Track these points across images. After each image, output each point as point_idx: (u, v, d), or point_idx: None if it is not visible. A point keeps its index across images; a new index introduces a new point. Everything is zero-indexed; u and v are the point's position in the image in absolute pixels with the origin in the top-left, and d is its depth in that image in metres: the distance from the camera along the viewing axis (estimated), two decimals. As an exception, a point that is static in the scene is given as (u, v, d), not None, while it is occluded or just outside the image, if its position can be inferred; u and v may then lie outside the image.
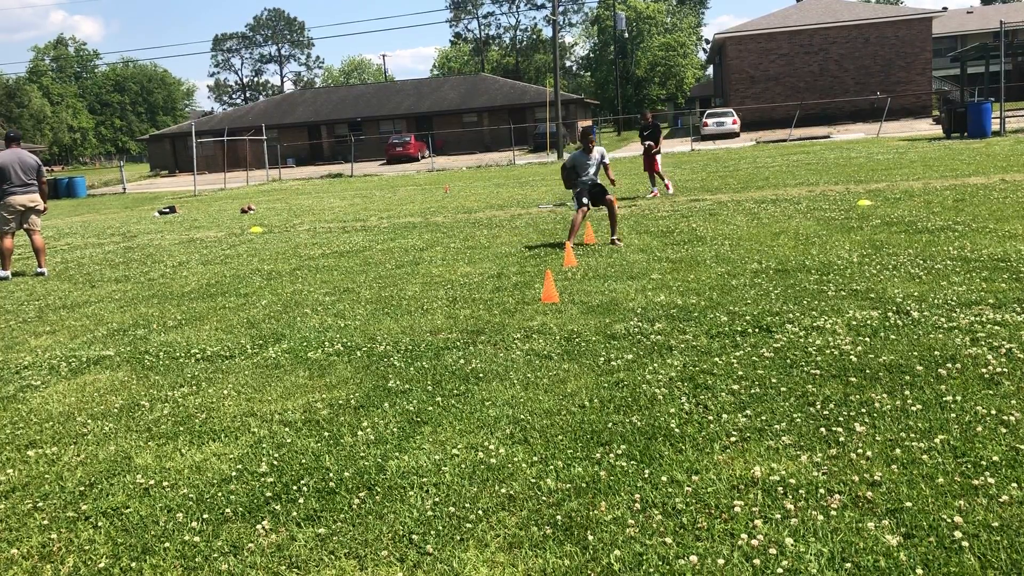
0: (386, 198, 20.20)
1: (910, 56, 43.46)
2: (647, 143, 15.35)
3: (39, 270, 10.68)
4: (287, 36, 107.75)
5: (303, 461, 3.75)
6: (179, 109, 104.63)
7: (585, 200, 9.64)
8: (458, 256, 9.54)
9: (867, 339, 4.88)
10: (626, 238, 9.85)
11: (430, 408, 4.31)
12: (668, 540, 2.82)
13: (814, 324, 5.28)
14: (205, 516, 3.29)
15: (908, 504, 2.91)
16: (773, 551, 2.69)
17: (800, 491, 3.08)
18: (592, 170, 9.73)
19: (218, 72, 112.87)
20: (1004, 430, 3.47)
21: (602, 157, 9.81)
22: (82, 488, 3.67)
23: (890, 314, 5.39)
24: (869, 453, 3.35)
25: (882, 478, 3.13)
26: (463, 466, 3.55)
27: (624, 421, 3.90)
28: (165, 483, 3.65)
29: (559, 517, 3.04)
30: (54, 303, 8.43)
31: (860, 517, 2.87)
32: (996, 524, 2.75)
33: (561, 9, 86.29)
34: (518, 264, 8.63)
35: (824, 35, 43.96)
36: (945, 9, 62.29)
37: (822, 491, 3.06)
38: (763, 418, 3.81)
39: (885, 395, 3.98)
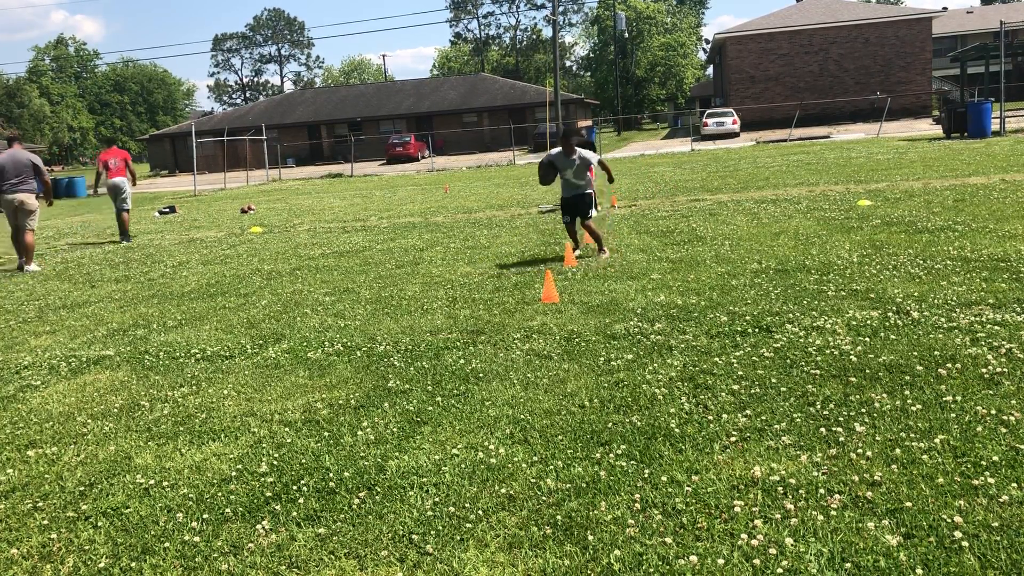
0: (386, 198, 20.20)
1: (910, 56, 43.45)
2: None
3: (29, 267, 11.17)
4: (287, 36, 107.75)
5: (303, 461, 3.75)
6: (179, 109, 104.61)
7: (567, 218, 8.70)
8: (458, 256, 9.54)
9: (867, 339, 4.88)
10: (626, 238, 9.85)
11: (430, 408, 4.31)
12: (668, 540, 2.82)
13: (814, 324, 5.28)
14: (205, 516, 3.30)
15: (908, 504, 2.91)
16: (773, 551, 2.69)
17: (800, 491, 3.08)
18: (571, 172, 8.44)
19: (218, 72, 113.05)
20: (1004, 430, 3.47)
21: (587, 163, 8.43)
22: (82, 488, 3.67)
23: (890, 314, 5.39)
24: (869, 453, 3.35)
25: (882, 478, 3.13)
26: (463, 466, 3.55)
27: (624, 421, 3.90)
28: (165, 483, 3.65)
29: (559, 517, 3.04)
30: (54, 303, 8.43)
31: (860, 517, 2.87)
32: (996, 524, 2.75)
33: (561, 9, 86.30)
34: (518, 264, 8.63)
35: (824, 35, 43.95)
36: (945, 9, 62.26)
37: (822, 491, 3.07)
38: (763, 418, 3.82)
39: (885, 395, 3.98)
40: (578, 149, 8.39)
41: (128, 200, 14.21)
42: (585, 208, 8.57)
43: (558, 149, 8.48)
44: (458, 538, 2.97)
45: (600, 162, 8.63)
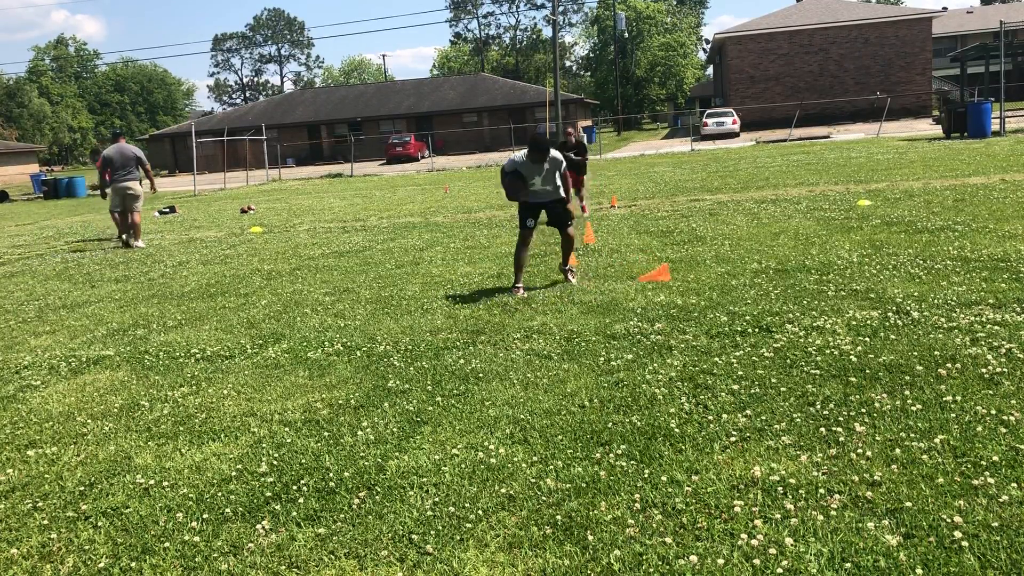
0: (386, 198, 20.20)
1: (910, 56, 43.45)
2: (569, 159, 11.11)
3: (135, 243, 13.04)
4: (287, 36, 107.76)
5: (303, 461, 3.75)
6: (179, 109, 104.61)
7: (530, 222, 7.17)
8: (458, 256, 9.54)
9: (867, 339, 4.88)
10: (626, 238, 9.84)
11: (430, 408, 4.31)
12: (668, 540, 2.82)
13: (814, 324, 5.28)
14: (205, 516, 3.30)
15: (908, 504, 2.91)
16: (773, 551, 2.69)
17: (800, 491, 3.08)
18: (539, 181, 7.01)
19: (218, 72, 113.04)
20: (1004, 430, 3.47)
21: (557, 165, 7.04)
22: (82, 488, 3.67)
23: (890, 314, 5.39)
24: (869, 453, 3.35)
25: (882, 478, 3.13)
26: (463, 466, 3.55)
27: (624, 421, 3.90)
28: (165, 483, 3.65)
29: (559, 517, 3.04)
30: (54, 303, 8.43)
31: (860, 517, 2.87)
32: (996, 524, 2.75)
33: (561, 9, 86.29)
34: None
35: (824, 35, 43.95)
36: (945, 9, 62.29)
37: (822, 491, 3.07)
38: (763, 418, 3.81)
39: (885, 395, 3.98)
40: (547, 156, 6.95)
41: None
42: (565, 215, 7.18)
43: (522, 153, 7.00)
44: (458, 538, 2.97)
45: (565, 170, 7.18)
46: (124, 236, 13.22)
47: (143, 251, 12.57)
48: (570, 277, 7.35)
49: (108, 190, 14.38)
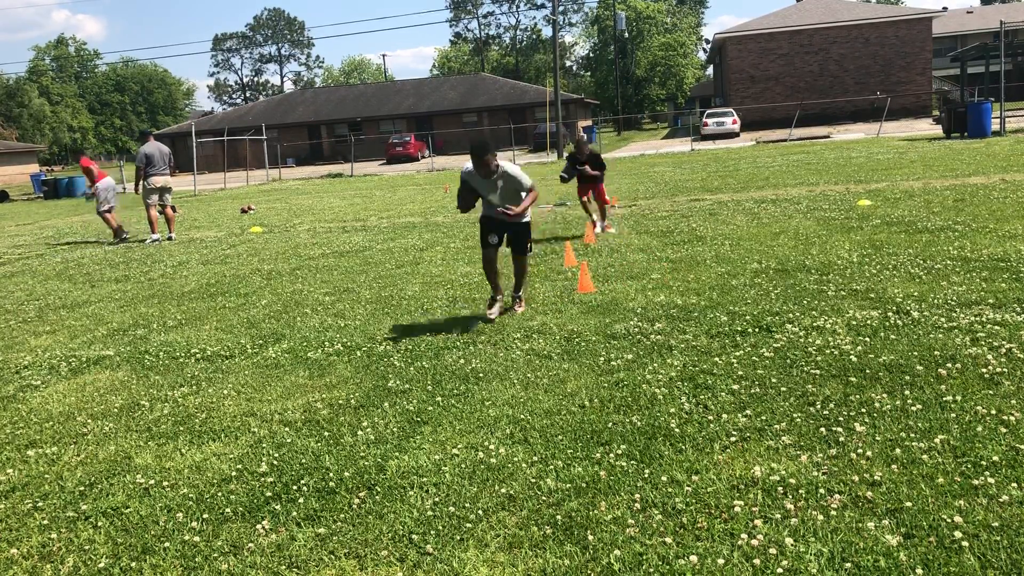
0: (386, 198, 20.19)
1: (910, 56, 43.44)
2: (584, 172, 10.24)
3: (170, 235, 13.90)
4: (287, 36, 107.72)
5: (303, 461, 3.75)
6: (179, 109, 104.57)
7: (492, 238, 6.26)
8: (458, 256, 9.54)
9: (867, 339, 4.88)
10: (626, 238, 9.84)
11: (430, 408, 4.31)
12: (668, 540, 2.82)
13: (814, 324, 5.28)
14: (205, 516, 3.30)
15: (908, 504, 2.91)
16: (773, 551, 2.69)
17: (800, 491, 3.08)
18: (496, 198, 6.19)
19: (218, 72, 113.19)
20: (1004, 430, 3.47)
21: (517, 185, 6.17)
22: (82, 488, 3.67)
23: (890, 314, 5.39)
24: (869, 453, 3.35)
25: (882, 478, 3.13)
26: (463, 466, 3.55)
27: (624, 421, 3.90)
28: (165, 483, 3.65)
29: (559, 517, 3.04)
30: (54, 303, 8.43)
31: (860, 517, 2.87)
32: (996, 524, 2.75)
33: (561, 9, 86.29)
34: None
35: (824, 35, 43.94)
36: (945, 9, 62.29)
37: (822, 491, 3.07)
38: (763, 418, 3.81)
39: (885, 395, 3.98)
40: (502, 165, 6.10)
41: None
42: (522, 237, 6.36)
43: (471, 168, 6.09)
44: (458, 538, 2.97)
45: (531, 188, 6.25)
46: (171, 234, 13.95)
47: (143, 250, 12.58)
48: (517, 307, 6.42)
49: (141, 184, 13.98)
